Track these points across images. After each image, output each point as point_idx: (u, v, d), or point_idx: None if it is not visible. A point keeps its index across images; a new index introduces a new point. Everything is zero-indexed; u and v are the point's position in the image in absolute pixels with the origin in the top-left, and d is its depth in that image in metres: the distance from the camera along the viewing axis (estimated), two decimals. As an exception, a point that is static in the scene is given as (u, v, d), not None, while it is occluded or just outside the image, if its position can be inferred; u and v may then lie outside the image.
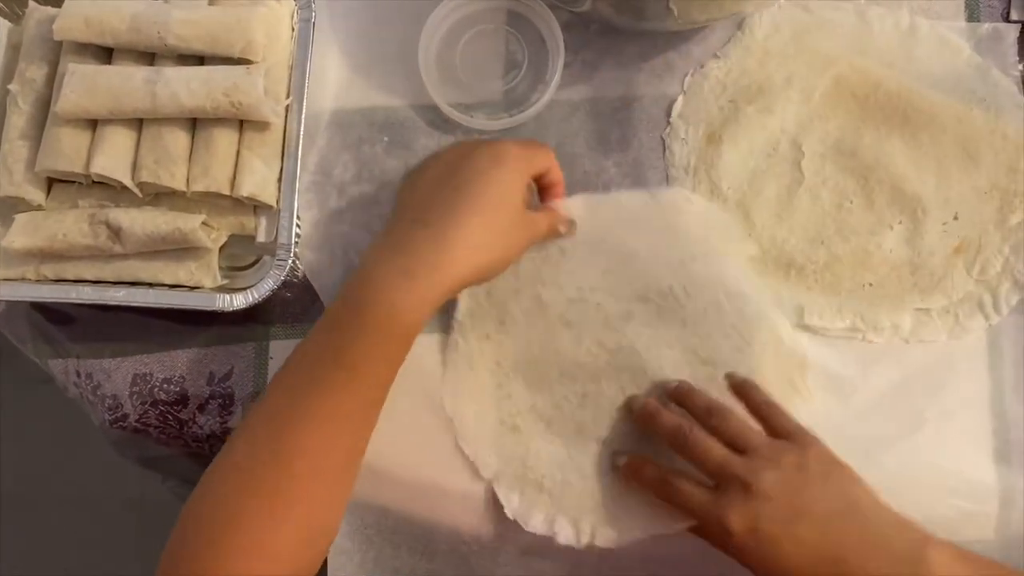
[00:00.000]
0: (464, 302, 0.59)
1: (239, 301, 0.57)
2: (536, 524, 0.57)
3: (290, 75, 0.59)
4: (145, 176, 0.57)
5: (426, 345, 0.59)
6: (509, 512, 0.57)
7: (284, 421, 0.48)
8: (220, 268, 0.59)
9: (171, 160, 0.57)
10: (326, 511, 0.50)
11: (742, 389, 0.56)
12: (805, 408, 0.57)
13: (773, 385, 0.57)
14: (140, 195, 0.59)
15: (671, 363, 0.57)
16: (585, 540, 0.56)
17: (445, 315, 0.60)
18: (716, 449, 0.51)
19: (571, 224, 0.58)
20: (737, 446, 0.51)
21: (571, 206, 0.60)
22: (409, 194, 0.54)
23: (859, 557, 0.48)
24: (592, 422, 0.57)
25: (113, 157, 0.58)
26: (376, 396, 0.50)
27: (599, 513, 0.56)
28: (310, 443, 0.48)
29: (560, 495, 0.57)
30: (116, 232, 0.57)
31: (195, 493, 0.49)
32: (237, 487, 0.48)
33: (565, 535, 0.56)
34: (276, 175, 0.58)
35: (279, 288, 0.58)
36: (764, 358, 0.58)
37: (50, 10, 0.60)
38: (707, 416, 0.53)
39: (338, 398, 0.48)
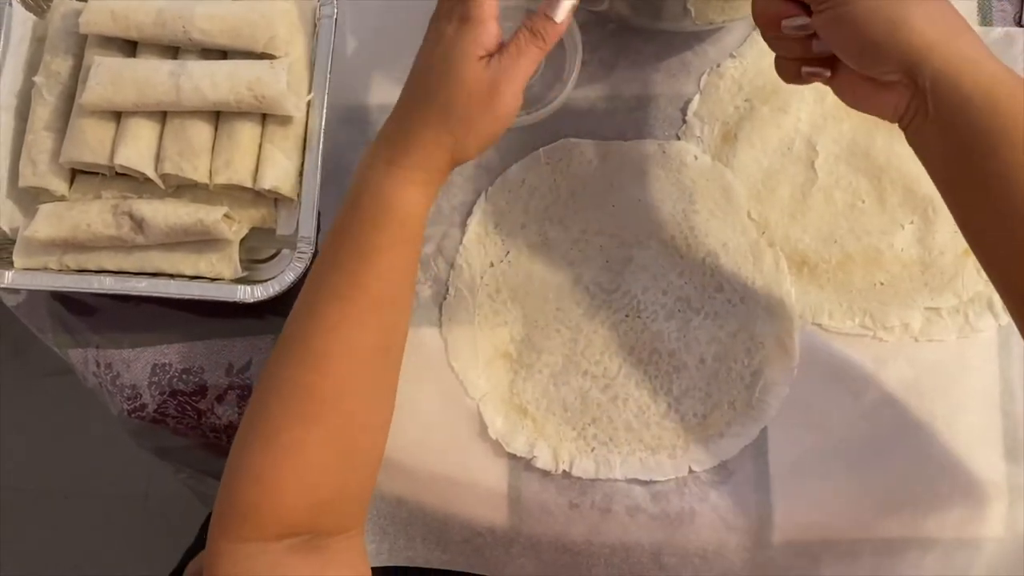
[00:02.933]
0: (472, 229, 0.62)
1: (260, 293, 0.58)
2: (517, 447, 0.59)
3: (311, 70, 0.60)
4: (168, 168, 0.58)
5: (439, 338, 0.60)
6: (492, 433, 0.59)
7: (307, 320, 0.50)
8: (240, 260, 0.60)
9: (194, 152, 0.58)
10: (361, 418, 0.50)
11: None
12: (786, 366, 0.58)
13: (763, 344, 0.59)
14: (163, 187, 0.60)
15: (664, 309, 0.60)
16: (563, 468, 0.59)
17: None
18: None
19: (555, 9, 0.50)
20: None
21: (584, 150, 0.62)
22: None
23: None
24: (581, 357, 0.60)
25: (137, 149, 0.58)
26: (395, 283, 0.51)
27: (578, 444, 0.59)
28: (335, 345, 0.49)
29: (543, 422, 0.59)
30: (139, 223, 0.58)
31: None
32: (274, 392, 0.49)
33: (544, 460, 0.59)
34: (297, 168, 0.59)
35: (299, 281, 0.58)
36: (756, 314, 0.59)
37: (76, 4, 0.61)
38: None
39: (356, 289, 0.49)
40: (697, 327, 0.59)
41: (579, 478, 0.59)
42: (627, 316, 0.60)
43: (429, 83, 0.50)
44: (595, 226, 0.61)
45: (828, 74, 0.49)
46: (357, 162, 0.63)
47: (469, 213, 0.62)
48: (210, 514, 1.22)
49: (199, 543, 1.18)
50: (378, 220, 0.50)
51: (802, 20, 0.47)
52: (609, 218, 0.61)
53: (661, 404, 0.59)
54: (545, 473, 0.59)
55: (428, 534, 0.60)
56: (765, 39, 0.51)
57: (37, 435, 1.39)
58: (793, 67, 0.50)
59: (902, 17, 0.43)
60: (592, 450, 0.59)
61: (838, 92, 0.49)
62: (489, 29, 0.49)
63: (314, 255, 0.59)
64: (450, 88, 0.49)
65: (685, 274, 0.60)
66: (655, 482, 0.58)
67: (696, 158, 0.61)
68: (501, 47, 0.50)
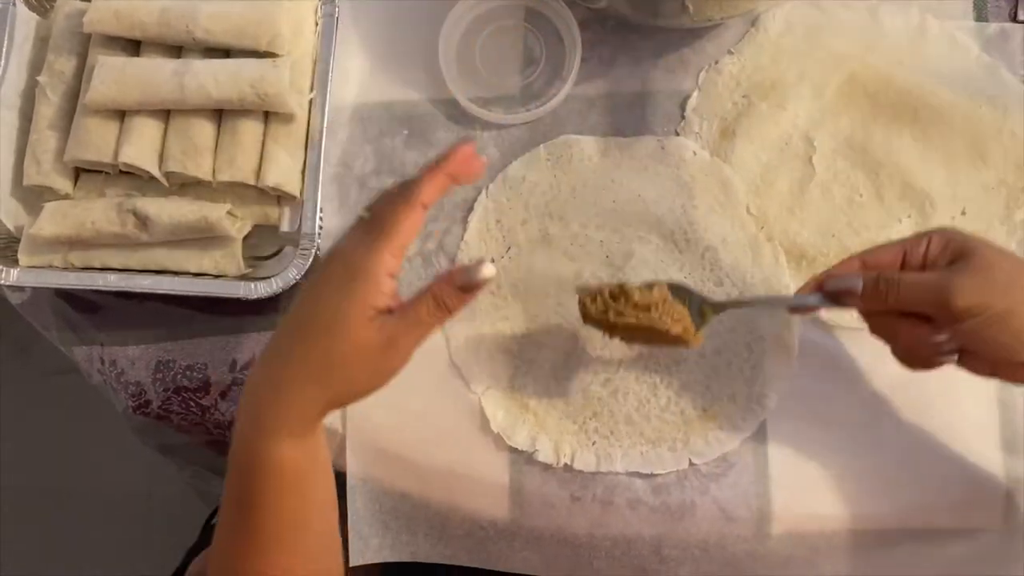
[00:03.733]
0: (474, 225, 0.62)
1: (263, 289, 0.58)
2: (519, 440, 0.59)
3: (314, 69, 0.61)
4: (172, 166, 0.59)
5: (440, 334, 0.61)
6: (494, 427, 0.60)
7: (228, 538, 0.49)
8: (243, 258, 0.60)
9: (198, 150, 0.59)
10: None
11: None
12: (785, 360, 0.59)
13: (763, 338, 0.59)
14: (167, 184, 0.60)
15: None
16: (564, 461, 0.59)
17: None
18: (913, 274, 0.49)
19: (480, 270, 0.46)
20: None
21: (584, 146, 0.62)
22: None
23: None
24: (582, 351, 0.60)
25: (141, 147, 0.59)
26: (294, 523, 0.47)
27: (579, 438, 0.59)
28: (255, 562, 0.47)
29: (544, 416, 0.60)
30: (143, 221, 0.58)
31: None
32: None
33: (545, 454, 0.59)
34: (300, 166, 0.60)
35: (302, 277, 0.59)
36: (756, 309, 0.59)
37: (79, 4, 0.62)
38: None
39: (253, 533, 0.47)
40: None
41: (580, 471, 0.59)
42: None
43: (309, 334, 0.45)
44: (595, 221, 0.62)
45: (956, 358, 0.50)
46: (359, 160, 0.64)
47: (470, 210, 0.63)
48: (212, 513, 1.23)
49: (202, 542, 1.18)
50: (254, 472, 0.46)
51: (944, 338, 0.49)
52: (609, 214, 0.62)
53: (661, 398, 0.59)
54: (546, 466, 0.60)
55: (430, 529, 0.61)
56: (895, 353, 0.51)
57: (40, 434, 1.39)
58: (921, 358, 0.51)
59: None
60: (593, 443, 0.59)
61: (972, 369, 0.50)
62: (384, 288, 0.45)
63: (316, 252, 0.59)
64: (333, 343, 0.44)
65: (685, 268, 0.61)
66: (656, 475, 0.59)
67: (695, 153, 0.62)
68: (400, 306, 0.45)
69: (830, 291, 0.50)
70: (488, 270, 0.46)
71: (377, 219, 0.45)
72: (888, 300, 0.49)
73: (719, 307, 0.55)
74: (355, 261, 0.44)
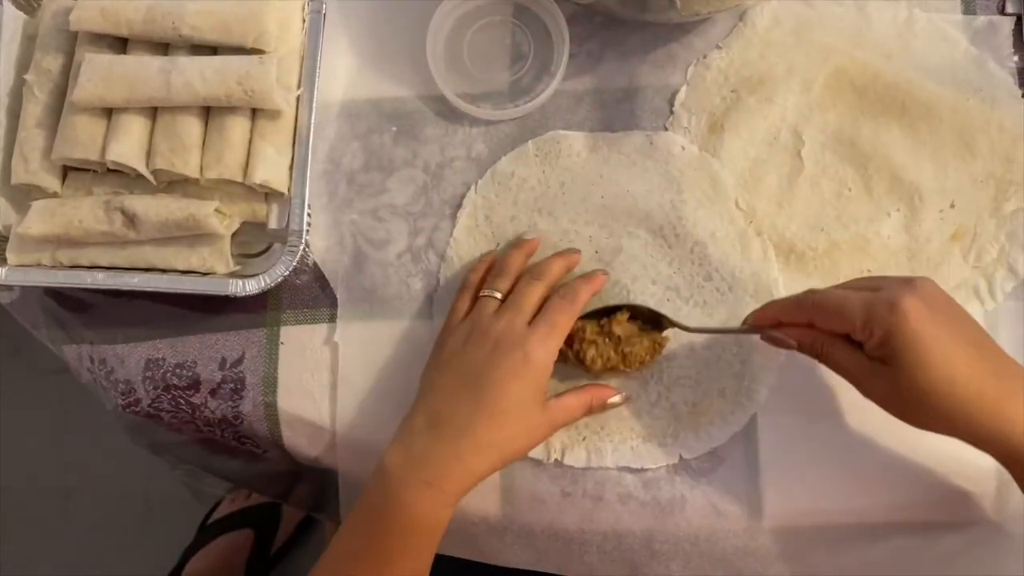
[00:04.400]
0: (463, 221, 0.62)
1: (252, 286, 0.58)
2: None
3: (301, 65, 0.61)
4: (159, 163, 0.59)
5: (429, 330, 0.61)
6: None
7: None
8: (232, 255, 0.60)
9: (185, 148, 0.59)
10: None
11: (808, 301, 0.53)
12: (773, 354, 0.59)
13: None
14: (154, 182, 0.60)
15: (654, 298, 0.60)
16: (555, 457, 0.59)
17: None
18: (852, 294, 0.50)
19: (622, 396, 0.58)
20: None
21: (572, 142, 0.62)
22: (429, 390, 0.55)
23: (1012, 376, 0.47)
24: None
25: (128, 145, 0.59)
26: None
27: (570, 434, 0.59)
28: None
29: None
30: (131, 219, 0.58)
31: None
32: None
33: (535, 450, 0.59)
34: (288, 163, 0.60)
35: (290, 274, 0.59)
36: (744, 302, 0.60)
37: (66, 2, 0.62)
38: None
39: None
40: (686, 316, 0.60)
41: (571, 467, 0.59)
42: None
43: (495, 415, 0.52)
44: (584, 217, 0.62)
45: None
46: (347, 157, 0.64)
47: (459, 206, 0.63)
48: (209, 513, 1.22)
49: (198, 542, 1.19)
50: (413, 532, 0.52)
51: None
52: (598, 209, 0.62)
53: (651, 393, 0.59)
54: (537, 462, 0.60)
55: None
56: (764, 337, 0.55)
57: (36, 434, 1.39)
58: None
59: (993, 400, 0.46)
60: (583, 439, 0.59)
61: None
62: (548, 374, 0.54)
63: (304, 248, 0.59)
64: (518, 427, 0.53)
65: (674, 263, 0.61)
66: (646, 470, 0.59)
67: (683, 148, 0.62)
68: (559, 398, 0.55)
69: (767, 336, 0.55)
70: (620, 399, 0.58)
71: (526, 305, 0.55)
72: (822, 360, 0.53)
73: (681, 329, 0.58)
74: (534, 354, 0.53)
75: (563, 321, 0.55)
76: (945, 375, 0.46)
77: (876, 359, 0.49)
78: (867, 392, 0.51)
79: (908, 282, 0.49)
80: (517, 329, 0.54)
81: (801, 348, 0.53)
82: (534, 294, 0.56)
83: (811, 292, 0.53)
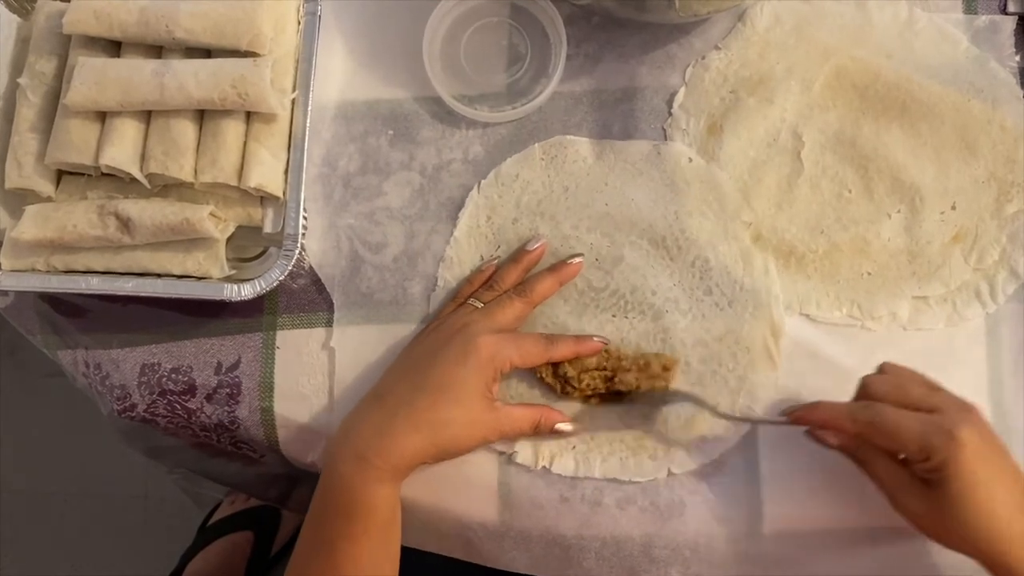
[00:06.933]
0: (464, 222, 0.62)
1: (247, 291, 0.58)
2: (500, 442, 0.59)
3: (296, 68, 0.60)
4: (154, 167, 0.58)
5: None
6: None
7: None
8: (227, 259, 0.60)
9: (179, 151, 0.58)
10: None
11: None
12: (771, 372, 0.58)
13: (749, 349, 0.58)
14: (148, 186, 0.60)
15: (652, 310, 0.59)
16: (543, 464, 0.59)
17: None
18: (909, 416, 0.50)
19: (573, 426, 0.58)
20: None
21: (579, 147, 0.62)
22: (387, 372, 0.58)
23: None
24: None
25: (122, 148, 0.58)
26: (373, 564, 0.53)
27: (559, 442, 0.59)
28: None
29: None
30: (125, 223, 0.58)
31: None
32: None
33: (524, 456, 0.59)
34: (283, 166, 0.59)
35: (286, 278, 0.59)
36: (743, 319, 0.59)
37: (59, 4, 0.61)
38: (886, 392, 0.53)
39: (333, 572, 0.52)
40: (684, 329, 0.59)
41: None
42: (614, 316, 0.60)
43: (420, 389, 0.53)
44: (587, 224, 0.61)
45: None
46: (343, 160, 0.63)
47: (458, 208, 0.62)
48: (208, 516, 1.22)
49: (198, 544, 1.18)
50: (350, 512, 0.52)
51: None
52: (601, 216, 0.61)
53: (644, 406, 0.59)
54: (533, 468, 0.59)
55: (423, 526, 0.61)
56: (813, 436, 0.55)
57: (36, 436, 1.39)
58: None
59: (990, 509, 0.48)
60: (572, 448, 0.59)
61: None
62: (495, 368, 0.54)
63: (300, 252, 0.59)
64: (446, 404, 0.53)
65: (675, 276, 0.60)
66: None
67: (691, 160, 0.61)
68: (508, 407, 0.56)
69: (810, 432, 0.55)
70: (570, 427, 0.58)
71: (498, 315, 0.56)
72: (860, 465, 0.54)
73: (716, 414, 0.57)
74: (482, 345, 0.53)
75: (511, 316, 0.57)
76: (987, 510, 0.48)
77: (919, 479, 0.50)
78: (900, 507, 0.51)
79: (965, 410, 0.50)
80: (473, 326, 0.55)
81: (842, 449, 0.54)
82: (511, 307, 0.57)
83: (868, 406, 0.52)
